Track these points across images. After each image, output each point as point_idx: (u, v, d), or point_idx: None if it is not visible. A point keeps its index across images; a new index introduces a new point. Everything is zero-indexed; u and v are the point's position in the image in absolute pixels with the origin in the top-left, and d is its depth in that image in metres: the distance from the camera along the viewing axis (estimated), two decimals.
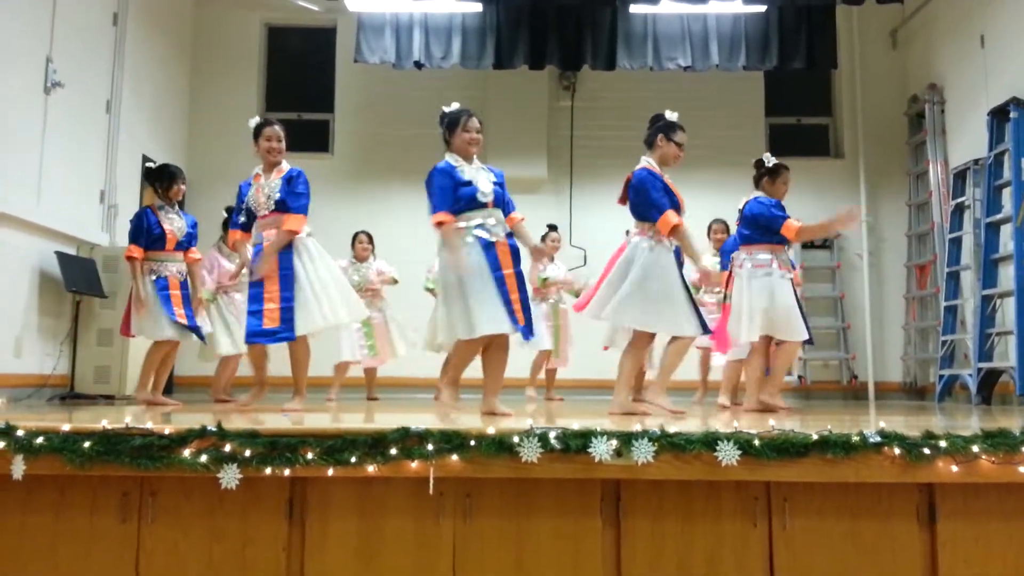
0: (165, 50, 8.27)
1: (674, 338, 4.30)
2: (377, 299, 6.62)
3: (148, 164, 5.51)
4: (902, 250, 8.62)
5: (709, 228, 6.64)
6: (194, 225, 5.48)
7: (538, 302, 7.04)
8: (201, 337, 5.41)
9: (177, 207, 5.42)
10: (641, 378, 6.78)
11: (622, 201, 4.52)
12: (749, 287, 4.89)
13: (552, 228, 7.36)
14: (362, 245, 6.70)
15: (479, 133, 4.39)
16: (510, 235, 4.18)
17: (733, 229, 6.17)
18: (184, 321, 5.17)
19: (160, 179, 5.38)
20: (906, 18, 8.66)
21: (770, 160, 5.26)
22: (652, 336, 4.41)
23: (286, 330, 4.33)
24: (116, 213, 7.05)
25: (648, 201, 4.31)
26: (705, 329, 4.33)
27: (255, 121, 4.75)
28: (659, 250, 4.26)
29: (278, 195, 4.49)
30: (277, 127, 4.70)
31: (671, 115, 4.65)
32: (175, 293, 5.20)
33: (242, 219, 4.60)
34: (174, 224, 5.31)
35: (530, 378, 7.10)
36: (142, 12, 7.62)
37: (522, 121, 8.75)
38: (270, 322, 4.31)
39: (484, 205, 4.11)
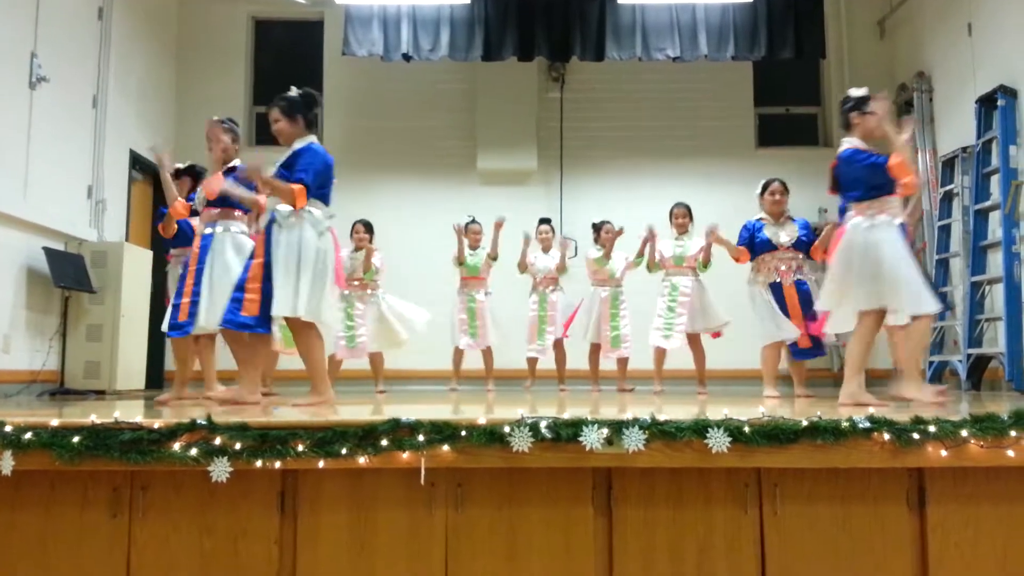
0: (151, 44, 8.22)
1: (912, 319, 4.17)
2: (366, 290, 6.60)
3: (177, 165, 5.41)
4: None
5: (671, 213, 6.59)
6: None
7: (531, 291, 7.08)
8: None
9: None
10: (623, 368, 6.82)
11: (832, 190, 4.46)
12: None
13: (544, 221, 7.37)
14: (358, 235, 6.69)
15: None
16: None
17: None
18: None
19: (192, 177, 5.40)
20: (893, 7, 8.67)
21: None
22: (882, 316, 4.24)
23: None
24: (104, 208, 7.01)
25: (868, 168, 4.15)
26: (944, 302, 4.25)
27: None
28: (882, 226, 4.13)
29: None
30: (226, 125, 4.85)
31: (856, 92, 4.47)
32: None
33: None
34: None
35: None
36: (128, 6, 7.57)
37: (511, 113, 8.75)
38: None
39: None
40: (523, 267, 7.07)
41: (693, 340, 6.39)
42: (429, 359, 7.34)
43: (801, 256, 5.50)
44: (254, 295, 3.92)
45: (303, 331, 4.06)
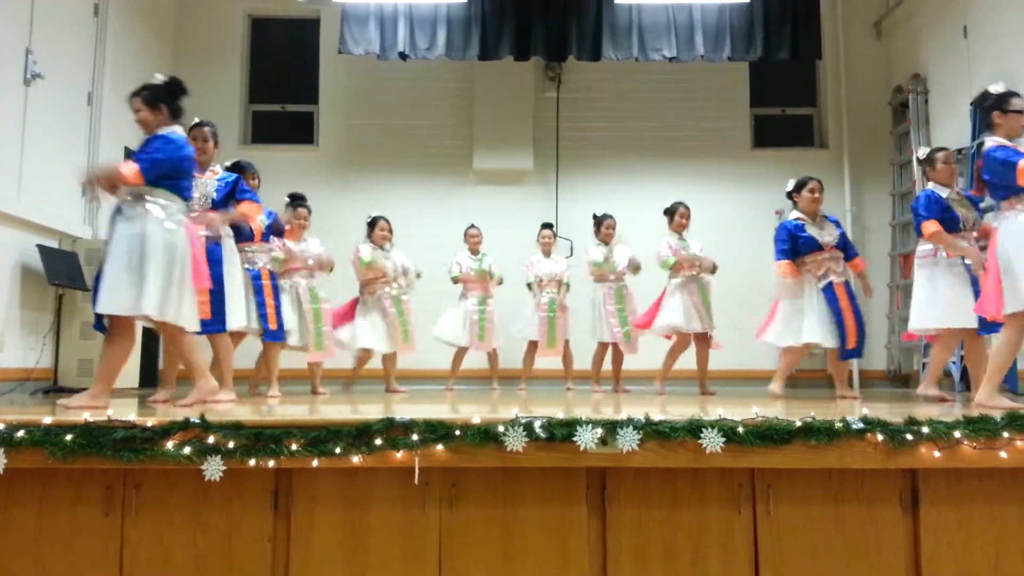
0: (147, 41, 8.19)
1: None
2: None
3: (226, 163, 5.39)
4: (886, 239, 8.66)
5: (675, 211, 6.51)
6: (271, 215, 5.48)
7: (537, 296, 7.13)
8: (276, 336, 5.31)
9: None
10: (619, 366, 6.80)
11: (978, 190, 4.45)
12: None
13: (546, 226, 7.39)
14: (383, 232, 6.66)
15: None
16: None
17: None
18: (271, 313, 5.15)
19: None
20: (890, 8, 8.69)
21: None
22: None
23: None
24: (98, 206, 6.99)
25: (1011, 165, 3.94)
26: None
27: (193, 121, 4.74)
28: None
29: (215, 195, 4.55)
30: (206, 128, 4.75)
31: (995, 88, 4.32)
32: (266, 284, 5.17)
33: None
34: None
35: (524, 368, 7.17)
36: (124, 3, 7.54)
37: (508, 112, 8.74)
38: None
39: None
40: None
41: (703, 339, 6.35)
42: (425, 358, 7.31)
43: (841, 257, 5.43)
44: None
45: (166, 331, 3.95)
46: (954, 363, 6.86)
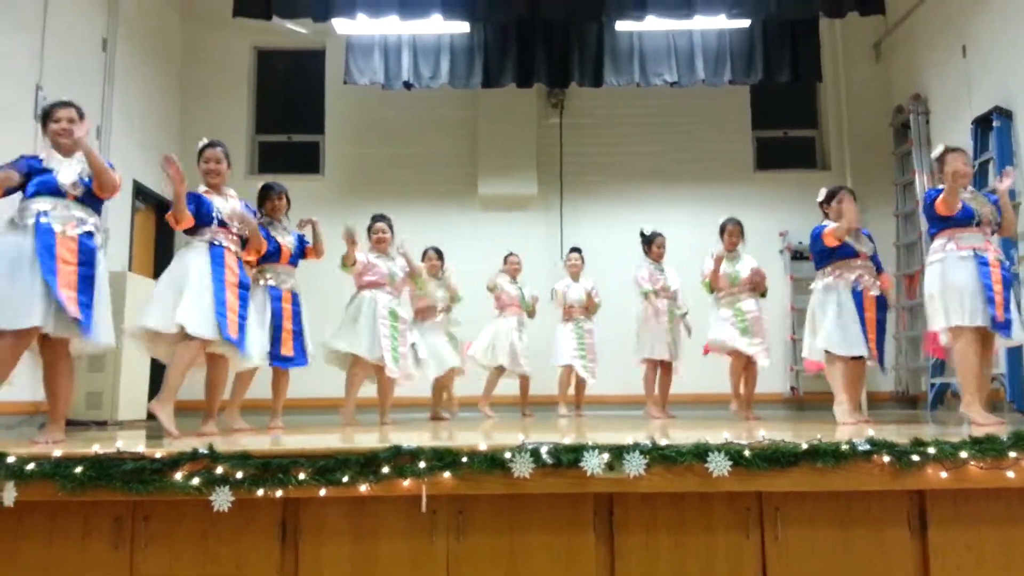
0: (155, 75, 8.30)
1: None
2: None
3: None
4: (891, 260, 8.65)
5: (723, 229, 6.41)
6: (300, 239, 5.48)
7: (565, 321, 7.20)
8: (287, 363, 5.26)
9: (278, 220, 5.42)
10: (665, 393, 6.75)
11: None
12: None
13: (574, 250, 7.47)
14: (432, 262, 6.79)
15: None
16: None
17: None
18: (287, 338, 5.17)
19: (259, 199, 5.42)
20: (889, 30, 8.75)
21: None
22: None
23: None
24: (107, 238, 7.03)
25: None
26: None
27: (201, 143, 4.74)
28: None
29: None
30: (219, 149, 4.68)
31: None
32: (287, 307, 5.20)
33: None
34: (284, 238, 5.33)
35: (560, 394, 7.17)
36: (131, 38, 7.66)
37: (511, 139, 8.81)
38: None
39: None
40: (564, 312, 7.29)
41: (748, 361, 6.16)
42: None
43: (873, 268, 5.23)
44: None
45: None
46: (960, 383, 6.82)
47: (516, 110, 8.82)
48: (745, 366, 6.15)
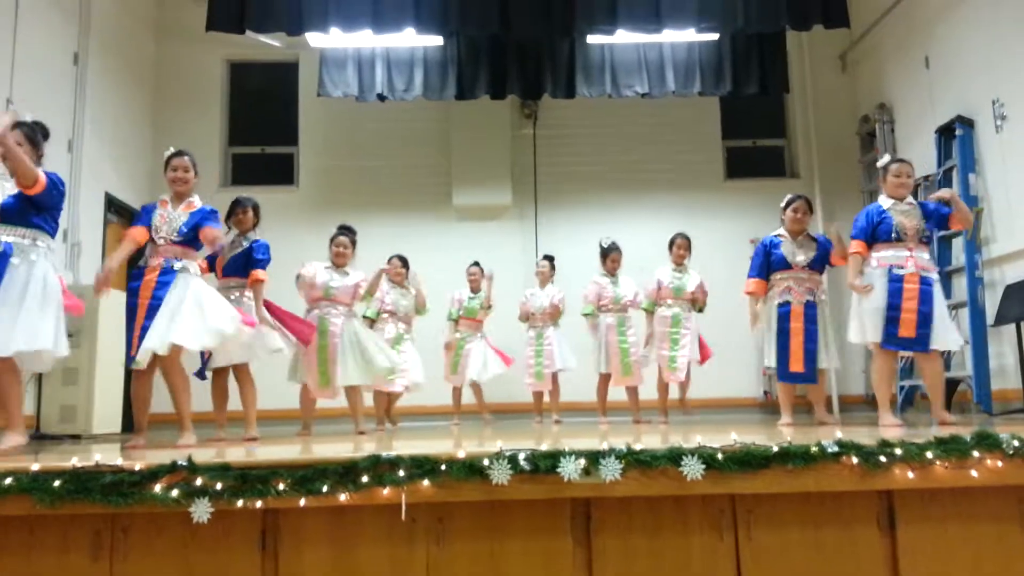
0: (127, 88, 8.27)
1: None
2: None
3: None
4: None
5: (672, 243, 6.68)
6: (260, 249, 5.34)
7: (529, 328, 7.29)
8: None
9: (243, 234, 5.39)
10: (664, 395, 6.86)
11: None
12: None
13: (546, 257, 7.56)
14: (396, 270, 6.83)
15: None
16: None
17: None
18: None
19: (227, 213, 5.41)
20: (854, 42, 8.94)
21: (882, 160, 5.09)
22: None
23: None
24: (79, 251, 7.01)
25: None
26: None
27: (168, 152, 4.74)
28: None
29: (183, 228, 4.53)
30: (186, 158, 4.67)
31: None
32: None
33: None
34: (232, 252, 5.30)
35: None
36: (103, 51, 7.64)
37: (485, 150, 8.88)
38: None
39: None
40: (524, 317, 7.37)
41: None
42: (425, 395, 7.36)
43: (815, 276, 5.34)
44: None
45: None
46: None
47: (490, 121, 8.90)
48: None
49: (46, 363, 4.09)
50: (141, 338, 4.27)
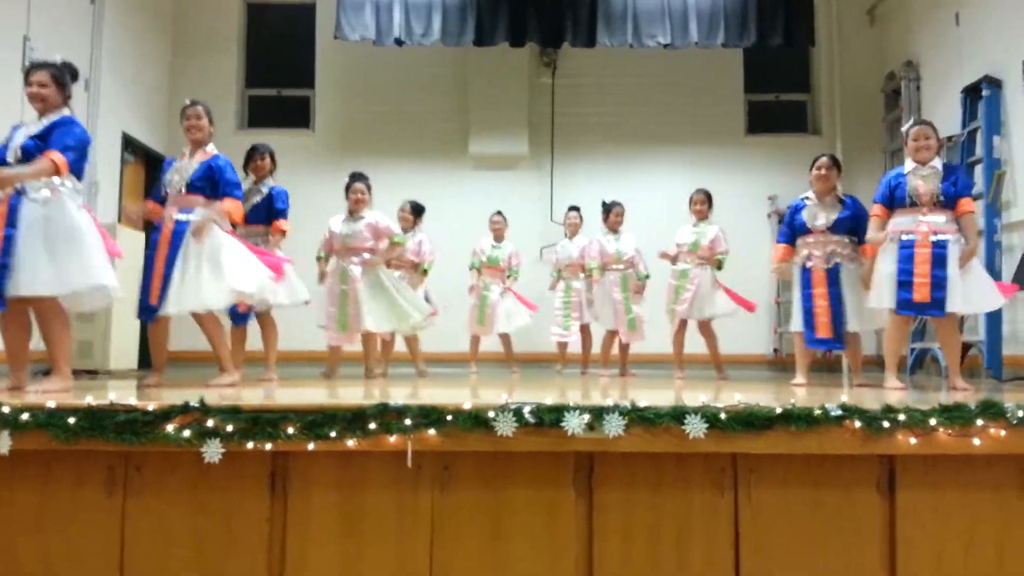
0: (144, 27, 8.22)
1: None
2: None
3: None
4: None
5: (691, 200, 6.59)
6: (280, 198, 5.37)
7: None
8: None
9: (261, 181, 5.42)
10: (625, 353, 6.92)
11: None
12: None
13: (572, 208, 7.55)
14: (403, 213, 6.77)
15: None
16: None
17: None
18: None
19: (244, 160, 5.44)
20: None
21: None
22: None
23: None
24: (97, 190, 7.04)
25: None
26: None
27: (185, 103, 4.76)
28: None
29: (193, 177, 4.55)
30: (199, 107, 4.68)
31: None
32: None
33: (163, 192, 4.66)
34: (253, 199, 5.32)
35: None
36: None
37: (503, 98, 8.79)
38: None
39: None
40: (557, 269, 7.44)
41: (704, 327, 6.44)
42: (446, 342, 7.42)
43: (842, 240, 5.20)
44: None
45: (52, 310, 3.85)
46: (940, 349, 6.93)
47: (508, 69, 8.79)
48: (703, 331, 6.43)
49: (99, 301, 4.09)
50: (164, 289, 4.34)
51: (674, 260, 6.48)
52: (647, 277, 6.93)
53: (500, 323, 7.24)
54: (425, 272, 6.72)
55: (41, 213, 3.78)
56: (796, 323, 5.36)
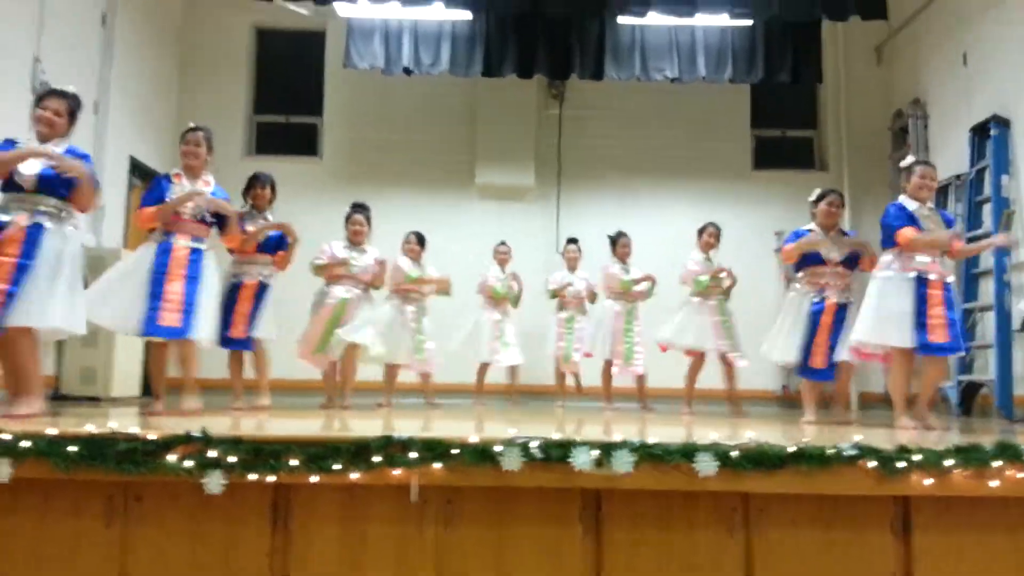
0: (154, 51, 8.27)
1: None
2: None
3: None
4: None
5: (703, 230, 6.60)
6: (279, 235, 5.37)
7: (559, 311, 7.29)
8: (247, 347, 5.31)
9: (261, 212, 5.41)
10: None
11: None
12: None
13: (571, 240, 7.53)
14: (410, 245, 6.72)
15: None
16: None
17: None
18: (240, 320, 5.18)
19: (245, 188, 5.44)
20: (891, 34, 8.76)
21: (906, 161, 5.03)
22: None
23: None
24: (103, 215, 7.03)
25: None
26: None
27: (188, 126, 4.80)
28: None
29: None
30: (200, 133, 4.69)
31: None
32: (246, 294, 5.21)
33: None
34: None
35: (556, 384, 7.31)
36: (131, 13, 7.62)
37: (510, 129, 8.81)
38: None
39: None
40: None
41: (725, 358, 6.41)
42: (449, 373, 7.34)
43: (849, 275, 5.24)
44: None
45: (26, 339, 3.82)
46: (951, 388, 6.89)
47: (516, 100, 8.82)
48: (728, 369, 6.39)
49: (58, 336, 4.19)
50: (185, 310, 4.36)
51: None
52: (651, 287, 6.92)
53: (512, 353, 7.18)
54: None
55: (59, 248, 3.81)
56: (783, 352, 5.25)
